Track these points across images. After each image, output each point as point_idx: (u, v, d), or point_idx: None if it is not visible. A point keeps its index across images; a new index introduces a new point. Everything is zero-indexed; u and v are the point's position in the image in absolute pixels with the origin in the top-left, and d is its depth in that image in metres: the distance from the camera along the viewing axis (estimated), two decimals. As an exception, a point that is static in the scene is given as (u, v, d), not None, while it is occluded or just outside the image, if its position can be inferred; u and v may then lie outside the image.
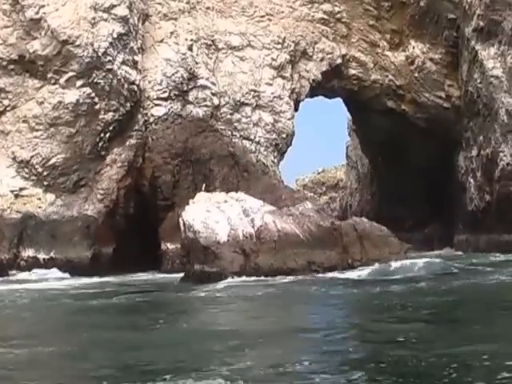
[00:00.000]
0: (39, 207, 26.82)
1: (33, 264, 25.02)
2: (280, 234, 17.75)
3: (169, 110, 29.60)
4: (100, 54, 27.59)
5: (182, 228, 18.53)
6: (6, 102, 27.80)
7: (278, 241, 17.65)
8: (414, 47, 33.54)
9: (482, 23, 30.16)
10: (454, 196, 33.94)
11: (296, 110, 32.94)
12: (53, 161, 27.23)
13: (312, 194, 53.51)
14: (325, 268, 17.34)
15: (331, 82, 33.84)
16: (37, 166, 27.20)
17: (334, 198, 54.61)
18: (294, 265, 17.24)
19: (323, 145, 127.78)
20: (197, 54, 30.84)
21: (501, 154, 29.55)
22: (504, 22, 29.03)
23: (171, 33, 30.90)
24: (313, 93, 34.00)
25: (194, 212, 18.64)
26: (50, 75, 27.38)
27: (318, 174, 58.32)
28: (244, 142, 30.36)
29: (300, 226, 18.09)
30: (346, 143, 46.27)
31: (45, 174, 27.21)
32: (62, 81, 27.28)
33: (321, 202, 57.53)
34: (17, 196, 27.00)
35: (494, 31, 29.88)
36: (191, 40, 30.96)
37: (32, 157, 27.23)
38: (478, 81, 30.60)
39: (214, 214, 18.53)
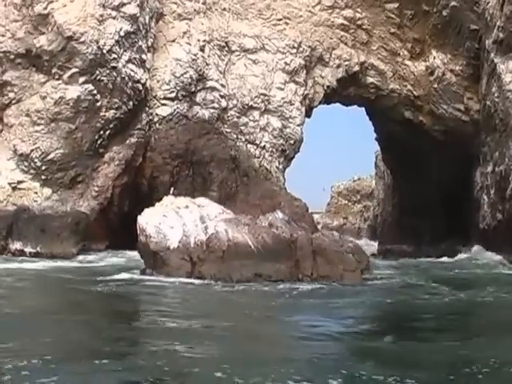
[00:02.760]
0: (35, 201, 27.00)
1: (19, 257, 25.16)
2: (230, 244, 17.31)
3: (174, 110, 29.50)
4: (105, 51, 27.58)
5: (138, 231, 18.33)
6: (11, 95, 28.09)
7: (226, 250, 17.22)
8: (434, 57, 32.57)
9: (501, 35, 29.01)
10: (469, 212, 32.89)
11: (308, 116, 32.43)
12: (51, 156, 27.39)
13: (346, 202, 52.87)
14: (273, 282, 16.85)
15: (348, 90, 33.18)
16: (36, 160, 27.40)
17: (368, 206, 53.75)
18: (238, 276, 16.78)
19: (366, 152, 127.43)
20: (208, 56, 30.67)
21: (513, 172, 28.44)
22: (524, 35, 27.91)
23: (184, 33, 30.79)
24: (328, 100, 33.41)
25: (149, 216, 18.41)
26: (54, 70, 27.52)
27: (354, 181, 57.52)
28: (249, 146, 30.05)
29: (254, 236, 17.62)
30: (375, 152, 45.45)
31: (43, 168, 27.38)
32: (65, 77, 27.38)
33: (355, 210, 57.05)
34: (14, 189, 27.24)
35: (513, 44, 28.78)
36: (204, 41, 30.80)
37: (32, 151, 27.43)
38: (496, 95, 29.49)
39: (170, 219, 18.24)
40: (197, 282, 16.48)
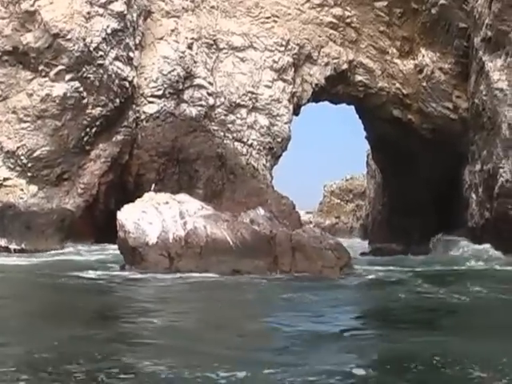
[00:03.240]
0: (21, 198, 26.97)
1: (3, 253, 25.12)
2: (208, 240, 17.31)
3: (161, 107, 29.46)
4: (92, 48, 27.56)
5: (118, 227, 18.30)
6: (-2, 93, 28.11)
7: (204, 246, 17.22)
8: (423, 55, 32.52)
9: (490, 33, 28.98)
10: (458, 211, 32.86)
11: (296, 114, 32.40)
12: (38, 153, 27.34)
13: (339, 201, 52.82)
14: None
15: (336, 88, 33.13)
16: (22, 157, 27.34)
17: (361, 206, 53.70)
18: (216, 272, 16.76)
19: (359, 150, 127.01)
20: (196, 53, 30.63)
21: (500, 170, 28.32)
22: (512, 32, 27.86)
23: (172, 30, 30.75)
24: (316, 98, 33.35)
25: (128, 212, 18.39)
26: (41, 68, 27.48)
27: (346, 180, 57.47)
28: (236, 144, 30.00)
29: (233, 232, 17.61)
30: (367, 151, 45.41)
31: (29, 165, 27.33)
32: (51, 74, 27.34)
33: (347, 209, 57.06)
34: (0, 186, 27.22)
35: (501, 42, 28.68)
36: (192, 38, 30.75)
37: (18, 148, 27.37)
38: (484, 93, 29.44)
39: (149, 215, 18.23)
40: (173, 276, 16.45)
